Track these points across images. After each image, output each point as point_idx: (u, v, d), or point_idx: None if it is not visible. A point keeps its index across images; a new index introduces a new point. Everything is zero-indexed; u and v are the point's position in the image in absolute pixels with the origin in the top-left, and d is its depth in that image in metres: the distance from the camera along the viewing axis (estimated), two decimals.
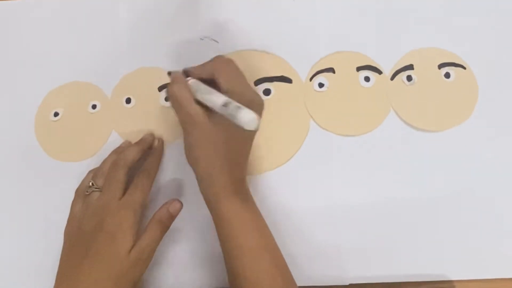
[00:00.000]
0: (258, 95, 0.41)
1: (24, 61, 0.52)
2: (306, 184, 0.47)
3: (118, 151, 0.47)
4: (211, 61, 0.43)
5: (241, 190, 0.42)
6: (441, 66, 0.49)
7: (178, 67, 0.50)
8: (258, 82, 0.50)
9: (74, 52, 0.52)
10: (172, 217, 0.43)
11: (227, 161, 0.40)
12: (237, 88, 0.40)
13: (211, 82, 0.41)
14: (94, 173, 0.45)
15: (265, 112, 0.48)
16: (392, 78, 0.49)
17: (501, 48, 0.50)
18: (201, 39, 0.51)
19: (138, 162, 0.45)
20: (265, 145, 0.48)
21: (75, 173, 0.48)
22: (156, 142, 0.48)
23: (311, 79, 0.50)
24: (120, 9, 0.53)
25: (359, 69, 0.50)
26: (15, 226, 0.48)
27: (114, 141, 0.49)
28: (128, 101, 0.50)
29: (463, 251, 0.45)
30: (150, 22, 0.52)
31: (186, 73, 0.44)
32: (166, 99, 0.50)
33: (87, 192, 0.44)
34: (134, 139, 0.49)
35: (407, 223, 0.46)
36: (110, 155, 0.47)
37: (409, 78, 0.49)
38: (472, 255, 0.45)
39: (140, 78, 0.51)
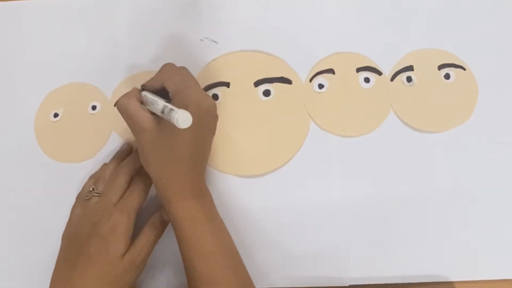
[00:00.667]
0: (207, 96, 0.42)
1: (24, 62, 0.52)
2: (306, 185, 0.47)
3: (119, 157, 0.48)
4: (159, 70, 0.44)
5: (197, 193, 0.42)
6: (441, 67, 0.49)
7: None
8: (258, 83, 0.50)
9: (74, 53, 0.52)
10: (166, 223, 0.44)
11: (179, 164, 0.40)
12: (183, 91, 0.41)
13: (164, 93, 0.42)
14: (95, 179, 0.46)
15: (265, 113, 0.49)
16: (392, 79, 0.49)
17: (501, 49, 0.50)
18: (201, 40, 0.51)
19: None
20: (265, 146, 0.48)
21: (74, 174, 0.49)
22: None
23: (311, 80, 0.50)
24: (120, 10, 0.53)
25: (359, 70, 0.50)
26: (15, 227, 0.48)
27: (114, 142, 0.49)
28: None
29: (463, 252, 0.45)
30: (150, 23, 0.52)
31: (142, 87, 0.45)
32: None
33: (87, 197, 0.44)
34: (134, 140, 0.49)
35: (407, 224, 0.46)
36: (111, 160, 0.47)
37: (409, 79, 0.49)
38: (472, 256, 0.45)
39: (140, 81, 0.50)
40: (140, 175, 0.45)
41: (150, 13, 0.52)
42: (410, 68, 0.49)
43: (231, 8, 0.52)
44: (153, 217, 0.43)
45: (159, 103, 0.39)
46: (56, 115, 0.50)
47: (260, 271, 0.45)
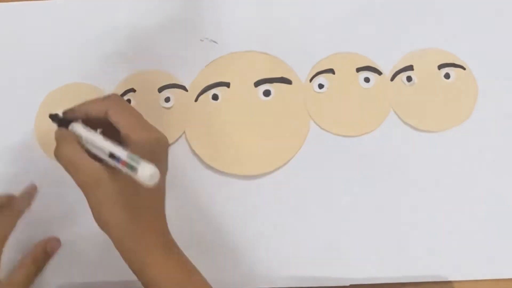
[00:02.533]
0: (160, 132, 0.37)
1: (24, 62, 0.52)
2: (306, 185, 0.47)
3: None
4: (102, 98, 0.38)
5: (169, 246, 0.37)
6: (441, 66, 0.49)
7: (178, 68, 0.51)
8: (258, 83, 0.50)
9: (74, 53, 0.52)
10: (48, 256, 0.42)
11: (149, 216, 0.36)
12: (139, 132, 0.35)
13: (98, 122, 0.37)
14: None
15: (265, 113, 0.49)
16: (392, 78, 0.49)
17: (500, 48, 0.50)
18: (201, 40, 0.51)
19: None
20: (265, 146, 0.48)
21: None
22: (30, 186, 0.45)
23: (311, 80, 0.50)
24: (120, 11, 0.53)
25: (359, 70, 0.50)
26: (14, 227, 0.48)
27: None
28: (127, 102, 0.50)
29: (463, 252, 0.45)
30: (150, 23, 0.52)
31: (69, 113, 0.39)
32: (166, 100, 0.50)
33: None
34: None
35: (407, 223, 0.46)
36: None
37: (409, 78, 0.49)
38: (472, 256, 0.45)
39: (140, 80, 0.51)
40: (5, 208, 0.41)
41: (150, 13, 0.52)
42: (410, 67, 0.49)
43: (231, 8, 0.52)
44: (34, 249, 0.41)
45: (115, 149, 0.33)
46: None
47: (260, 271, 0.46)
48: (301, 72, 0.50)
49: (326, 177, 0.48)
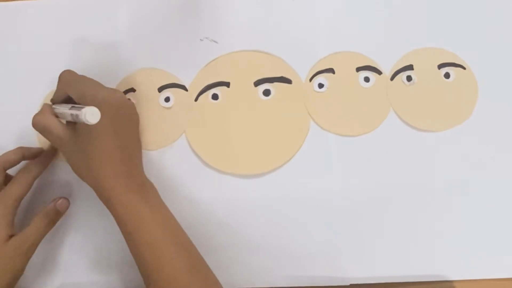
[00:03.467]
0: (115, 90, 0.44)
1: (24, 61, 0.52)
2: (306, 184, 0.47)
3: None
4: (58, 82, 0.45)
5: (134, 186, 0.42)
6: (440, 66, 0.49)
7: (178, 68, 0.51)
8: (258, 82, 0.50)
9: (73, 52, 0.52)
10: (58, 213, 0.46)
11: (106, 160, 0.41)
12: (87, 94, 0.42)
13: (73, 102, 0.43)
14: None
15: (265, 113, 0.49)
16: (392, 78, 0.49)
17: (500, 47, 0.50)
18: (200, 39, 0.51)
19: None
20: (265, 146, 0.48)
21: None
22: (49, 147, 0.49)
23: (311, 79, 0.50)
24: (120, 10, 0.53)
25: (358, 69, 0.50)
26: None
27: None
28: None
29: (463, 251, 0.46)
30: (149, 22, 0.52)
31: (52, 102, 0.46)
32: (166, 100, 0.50)
33: None
34: None
35: (407, 223, 0.46)
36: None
37: (409, 78, 0.49)
38: (472, 255, 0.45)
39: (140, 79, 0.51)
40: (25, 166, 0.46)
41: (150, 13, 0.52)
42: (410, 67, 0.49)
43: (231, 8, 0.52)
44: (46, 207, 0.45)
45: (66, 109, 0.40)
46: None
47: (261, 270, 0.46)
48: (301, 72, 0.50)
49: (326, 176, 0.47)
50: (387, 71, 0.50)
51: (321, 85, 0.49)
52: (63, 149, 0.43)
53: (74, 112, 0.38)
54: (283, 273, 0.45)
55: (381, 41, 0.50)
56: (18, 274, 0.43)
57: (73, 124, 0.42)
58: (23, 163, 0.47)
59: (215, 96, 0.50)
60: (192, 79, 0.50)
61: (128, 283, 0.46)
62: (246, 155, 0.48)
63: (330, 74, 0.50)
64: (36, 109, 0.50)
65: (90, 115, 0.37)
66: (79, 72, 0.51)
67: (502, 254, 0.45)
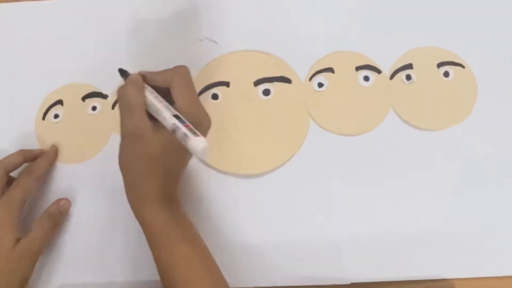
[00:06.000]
0: (207, 115, 0.41)
1: (24, 62, 0.52)
2: (306, 184, 0.47)
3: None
4: (169, 69, 0.42)
5: (171, 204, 0.41)
6: (440, 65, 0.50)
7: None
8: (257, 82, 0.50)
9: (73, 53, 0.52)
10: (61, 213, 0.46)
11: (161, 175, 0.40)
12: (189, 106, 0.40)
13: (163, 91, 0.41)
14: None
15: (265, 113, 0.49)
16: (392, 77, 0.49)
17: (499, 46, 0.50)
18: (200, 39, 0.51)
19: None
20: (265, 145, 0.48)
21: (75, 174, 0.49)
22: (50, 148, 0.49)
23: (310, 79, 0.50)
24: (120, 11, 0.53)
25: (358, 68, 0.50)
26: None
27: (115, 142, 0.49)
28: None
29: (464, 249, 0.45)
30: (149, 23, 0.52)
31: (141, 76, 0.42)
32: None
33: None
34: None
35: (407, 222, 0.46)
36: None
37: (408, 77, 0.49)
38: (471, 253, 0.45)
39: None
40: (26, 169, 0.46)
41: (150, 13, 0.52)
42: (409, 66, 0.50)
43: (231, 8, 0.52)
44: (49, 207, 0.45)
45: (171, 117, 0.37)
46: (56, 116, 0.51)
47: (260, 269, 0.45)
48: (300, 71, 0.50)
49: (326, 176, 0.47)
50: (387, 70, 0.50)
51: (320, 85, 0.49)
52: (130, 139, 0.39)
53: (180, 134, 0.36)
54: (283, 272, 0.45)
55: (381, 40, 0.50)
56: (26, 277, 0.43)
57: (156, 122, 0.39)
58: (24, 165, 0.47)
59: (215, 96, 0.50)
60: (192, 79, 0.50)
61: (129, 284, 0.46)
62: (246, 155, 0.48)
63: (330, 74, 0.50)
64: (36, 110, 0.51)
65: (202, 149, 0.35)
66: (78, 72, 0.51)
67: (503, 252, 0.45)
